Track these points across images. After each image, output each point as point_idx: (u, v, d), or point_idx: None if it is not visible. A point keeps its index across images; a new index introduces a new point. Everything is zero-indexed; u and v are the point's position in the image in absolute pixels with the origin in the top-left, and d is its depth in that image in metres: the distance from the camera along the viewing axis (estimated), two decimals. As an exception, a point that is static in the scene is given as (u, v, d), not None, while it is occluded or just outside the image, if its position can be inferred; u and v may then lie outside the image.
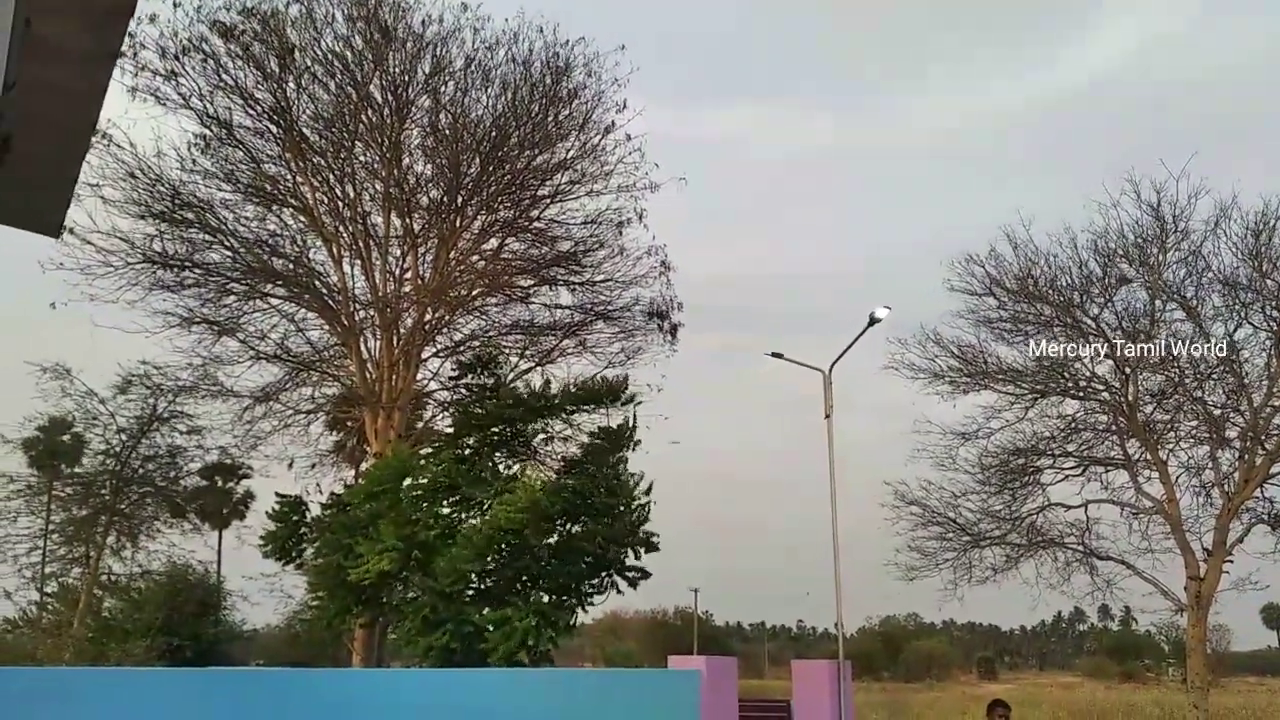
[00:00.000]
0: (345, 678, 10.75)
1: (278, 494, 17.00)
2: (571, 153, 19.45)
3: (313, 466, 22.55)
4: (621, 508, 14.57)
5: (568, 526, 14.36)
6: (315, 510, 17.00)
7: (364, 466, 26.03)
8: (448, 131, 18.93)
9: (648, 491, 14.96)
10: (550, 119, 18.99)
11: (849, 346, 15.20)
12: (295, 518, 16.88)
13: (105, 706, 6.60)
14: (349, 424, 24.40)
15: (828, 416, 14.85)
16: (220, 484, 32.83)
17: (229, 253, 18.29)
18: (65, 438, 25.75)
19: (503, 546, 13.48)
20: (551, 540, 14.09)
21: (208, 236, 18.31)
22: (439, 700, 8.94)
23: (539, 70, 18.95)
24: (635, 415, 15.94)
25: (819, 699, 14.20)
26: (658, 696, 11.67)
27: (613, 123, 19.47)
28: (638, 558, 14.83)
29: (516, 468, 15.99)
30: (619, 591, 14.90)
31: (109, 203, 17.26)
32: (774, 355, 16.21)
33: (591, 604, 14.98)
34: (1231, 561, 23.07)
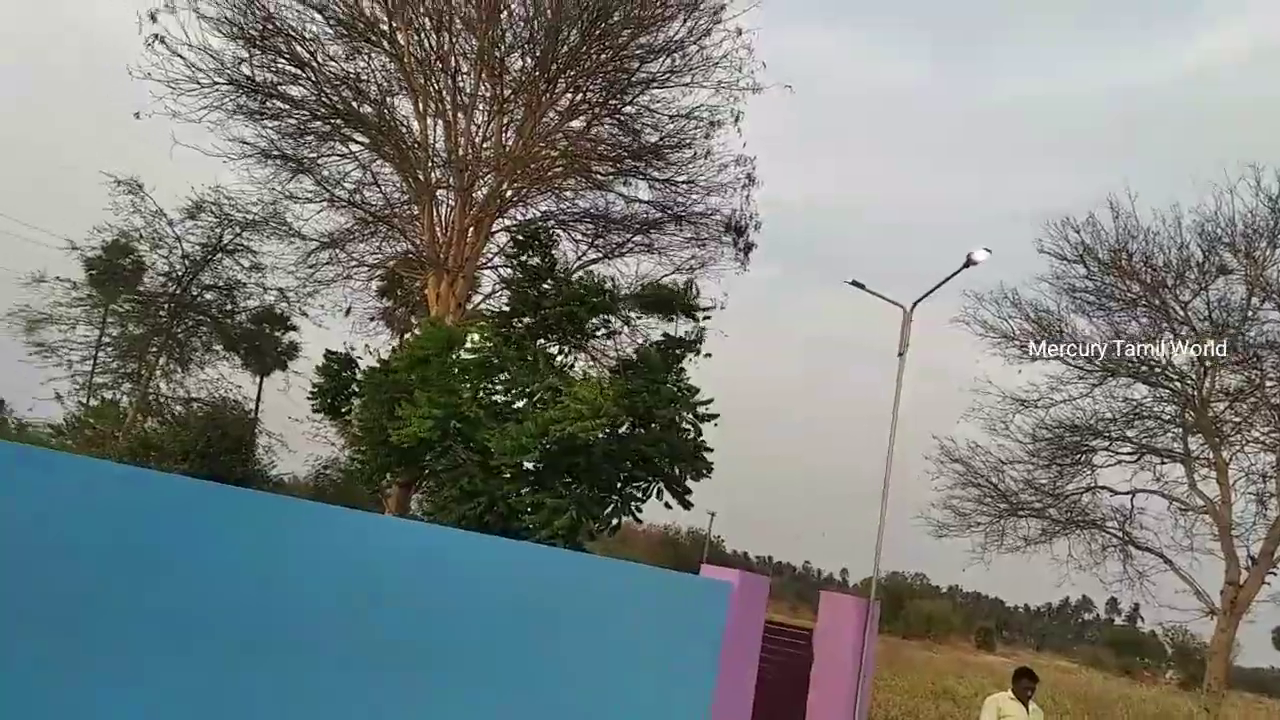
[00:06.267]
0: (381, 524, 10.63)
1: (328, 351, 16.97)
2: (677, 34, 18.41)
3: (371, 319, 22.48)
4: (683, 422, 14.17)
5: (626, 429, 13.97)
6: (364, 368, 17.03)
7: (409, 335, 25.98)
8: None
9: (713, 415, 14.48)
10: (659, -2, 17.91)
11: (938, 285, 14.46)
12: (344, 374, 16.94)
13: (138, 506, 6.37)
14: (402, 289, 24.22)
15: (901, 354, 14.21)
16: (269, 331, 33.14)
17: (314, 89, 17.83)
18: (126, 261, 25.90)
19: (559, 437, 13.20)
20: (604, 439, 13.70)
21: (295, 70, 17.86)
22: (473, 560, 8.76)
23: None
24: (703, 329, 15.40)
25: (842, 632, 13.85)
26: (687, 600, 11.45)
27: (724, 5, 18.33)
28: (689, 478, 14.52)
29: (572, 360, 15.66)
30: (666, 505, 14.63)
31: (203, 18, 16.86)
32: (854, 284, 15.46)
33: (639, 509, 14.77)
34: (1275, 574, 22.44)
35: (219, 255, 23.90)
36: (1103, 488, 25.11)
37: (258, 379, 31.82)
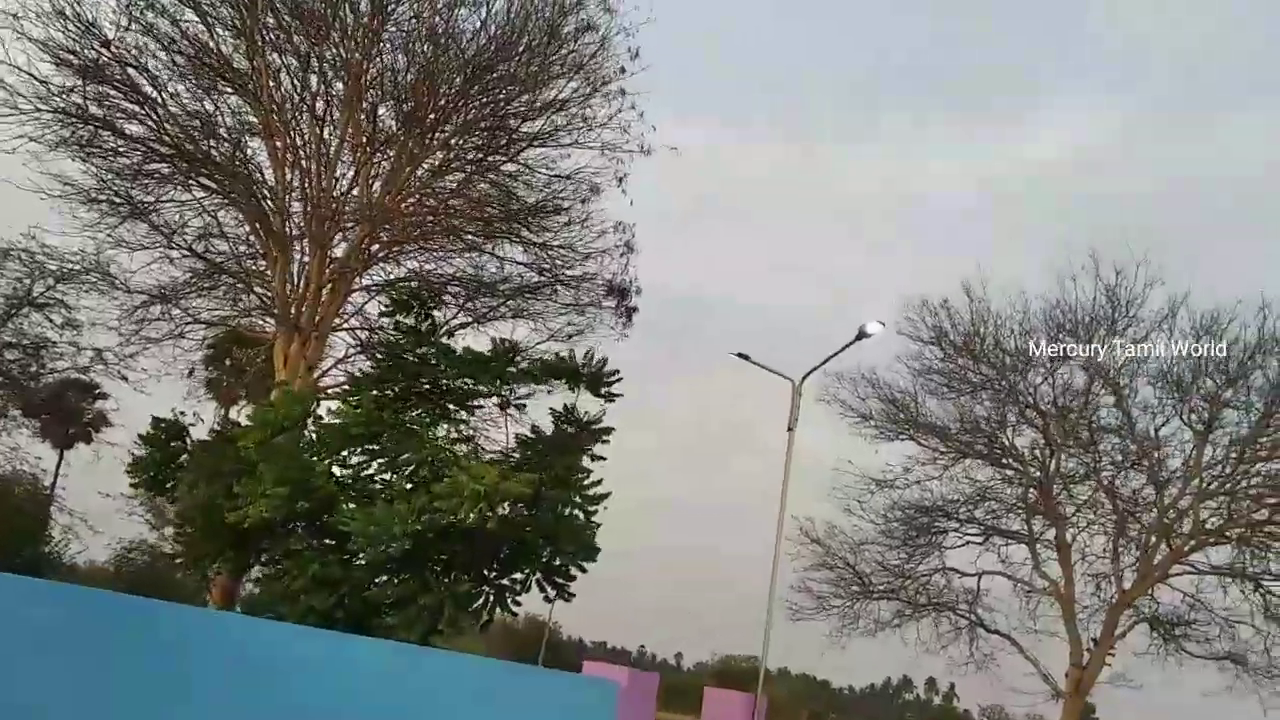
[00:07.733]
0: (225, 621, 9.15)
1: (155, 417, 14.89)
2: (563, 94, 17.75)
3: (208, 382, 20.13)
4: (573, 508, 13.02)
5: (508, 513, 12.65)
6: (195, 440, 15.04)
7: (239, 408, 23.53)
8: (429, 47, 16.93)
9: (603, 496, 13.38)
10: (550, 55, 17.19)
11: (828, 359, 14.30)
12: (174, 444, 14.88)
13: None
14: (232, 357, 22.08)
15: (790, 429, 13.86)
16: (73, 401, 29.74)
17: (155, 125, 15.97)
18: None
19: (442, 521, 11.76)
20: (490, 524, 12.27)
21: (134, 106, 16.03)
22: (331, 665, 7.55)
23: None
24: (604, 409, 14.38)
25: (729, 732, 13.07)
26: (572, 701, 10.67)
27: (622, 67, 17.83)
28: (572, 567, 13.34)
29: (453, 433, 14.27)
30: (546, 599, 13.35)
31: (28, 39, 14.91)
32: (739, 356, 15.14)
33: (517, 602, 13.43)
34: (1114, 654, 23.20)
35: (26, 310, 20.93)
36: (951, 569, 25.50)
37: (58, 450, 28.44)
